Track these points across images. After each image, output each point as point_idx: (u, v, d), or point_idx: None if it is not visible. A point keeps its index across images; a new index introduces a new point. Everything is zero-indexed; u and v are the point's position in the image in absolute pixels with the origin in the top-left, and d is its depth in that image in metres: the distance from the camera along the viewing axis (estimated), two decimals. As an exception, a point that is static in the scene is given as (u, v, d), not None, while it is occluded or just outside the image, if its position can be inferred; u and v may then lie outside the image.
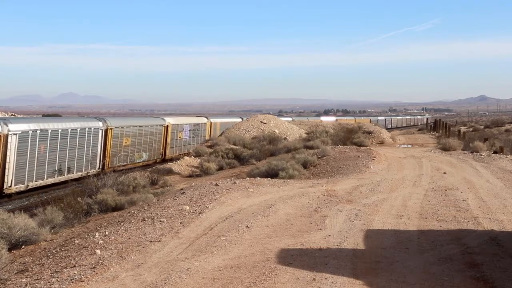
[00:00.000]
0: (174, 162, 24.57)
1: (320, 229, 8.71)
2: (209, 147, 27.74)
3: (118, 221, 9.88)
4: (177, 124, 32.75)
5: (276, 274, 6.35)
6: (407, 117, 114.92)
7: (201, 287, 6.08)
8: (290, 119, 50.10)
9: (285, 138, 31.52)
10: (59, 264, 7.42)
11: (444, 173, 15.72)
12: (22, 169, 19.01)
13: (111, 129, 24.99)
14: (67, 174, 21.75)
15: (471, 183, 13.62)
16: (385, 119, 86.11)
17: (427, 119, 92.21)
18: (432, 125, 56.15)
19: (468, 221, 9.19)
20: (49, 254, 8.33)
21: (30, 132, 19.44)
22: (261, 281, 6.15)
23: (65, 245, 8.77)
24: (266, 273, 6.42)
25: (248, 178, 14.93)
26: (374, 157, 18.89)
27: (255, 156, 23.92)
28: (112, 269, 6.84)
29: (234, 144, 27.89)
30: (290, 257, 7.03)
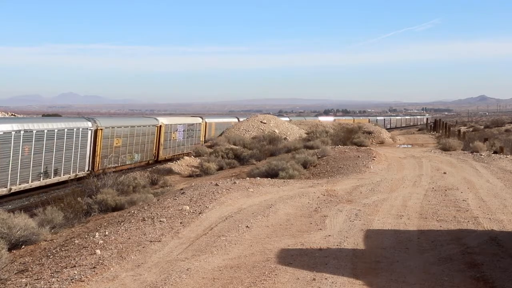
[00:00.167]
0: (174, 162, 24.54)
1: (320, 229, 8.72)
2: (209, 147, 27.77)
3: (118, 221, 9.88)
4: (170, 124, 31.97)
5: (276, 274, 6.35)
6: (407, 117, 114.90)
7: (201, 287, 6.08)
8: (288, 119, 49.71)
9: (285, 138, 31.57)
10: (59, 264, 7.42)
11: (444, 173, 15.72)
12: (3, 172, 17.94)
13: (101, 129, 24.27)
14: (54, 177, 20.75)
15: (471, 183, 13.62)
16: (385, 119, 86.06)
17: (427, 119, 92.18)
18: (432, 125, 56.19)
19: (468, 221, 9.19)
20: (49, 254, 8.33)
21: (13, 132, 18.30)
22: (261, 281, 6.15)
23: (65, 245, 8.78)
24: (266, 273, 6.42)
25: (248, 178, 14.94)
26: (374, 157, 18.91)
27: (255, 156, 23.95)
28: (112, 269, 6.84)
29: (234, 144, 27.92)
30: (290, 257, 7.03)
